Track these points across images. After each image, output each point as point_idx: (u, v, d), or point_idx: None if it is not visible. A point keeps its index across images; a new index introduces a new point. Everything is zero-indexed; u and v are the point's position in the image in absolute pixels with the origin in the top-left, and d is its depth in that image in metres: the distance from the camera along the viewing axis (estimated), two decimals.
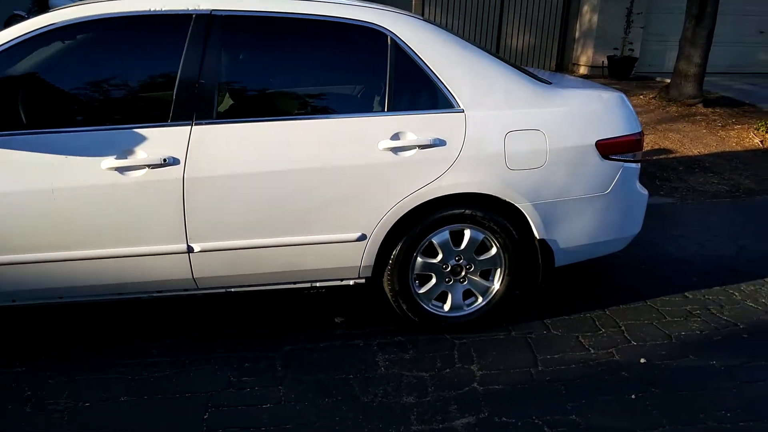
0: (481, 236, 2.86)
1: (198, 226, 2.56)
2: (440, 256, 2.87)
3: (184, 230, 2.56)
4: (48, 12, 2.54)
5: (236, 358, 2.74)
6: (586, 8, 11.16)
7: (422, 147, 2.67)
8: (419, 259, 2.85)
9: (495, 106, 2.78)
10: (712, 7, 7.53)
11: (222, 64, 2.57)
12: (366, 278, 2.87)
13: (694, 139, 6.80)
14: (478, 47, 2.92)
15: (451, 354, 2.83)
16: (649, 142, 6.65)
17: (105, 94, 2.52)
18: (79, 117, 2.49)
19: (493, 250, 2.90)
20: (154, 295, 2.73)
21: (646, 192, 3.12)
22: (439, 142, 2.69)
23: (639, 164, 3.06)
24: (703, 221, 4.65)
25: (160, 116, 2.51)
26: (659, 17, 11.04)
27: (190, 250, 2.60)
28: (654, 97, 8.48)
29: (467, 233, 2.85)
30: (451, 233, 2.85)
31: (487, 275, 2.96)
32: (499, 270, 2.94)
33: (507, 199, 2.79)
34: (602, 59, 10.72)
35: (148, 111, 2.52)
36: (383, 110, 2.69)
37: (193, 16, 2.57)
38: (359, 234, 2.71)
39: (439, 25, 3.12)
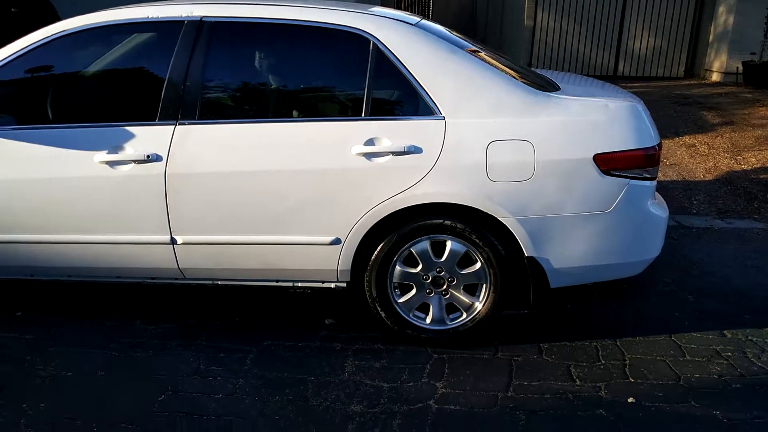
0: (463, 249, 2.75)
1: (180, 220, 2.72)
2: (420, 267, 2.79)
3: (168, 223, 2.73)
4: None
5: (215, 348, 2.87)
6: (721, 9, 10.14)
7: (396, 154, 2.62)
8: (398, 268, 2.80)
9: (479, 114, 2.65)
10: None
11: (207, 67, 2.71)
12: (348, 282, 2.87)
13: None
14: (478, 51, 2.81)
15: (423, 368, 2.74)
16: (761, 159, 5.93)
17: (102, 94, 2.76)
18: (80, 114, 2.75)
19: (477, 265, 2.77)
20: (150, 281, 2.93)
21: (663, 212, 2.81)
22: (414, 149, 2.62)
23: (653, 182, 2.76)
24: None
25: (149, 115, 2.70)
26: None
27: (173, 241, 2.76)
28: None
29: (449, 245, 2.75)
30: (432, 244, 2.76)
31: (474, 290, 2.84)
32: (484, 286, 2.80)
33: (488, 212, 2.66)
34: (737, 65, 9.69)
35: (140, 110, 2.72)
36: (361, 115, 2.67)
37: (185, 22, 2.74)
38: (333, 237, 2.72)
39: (445, 27, 3.05)
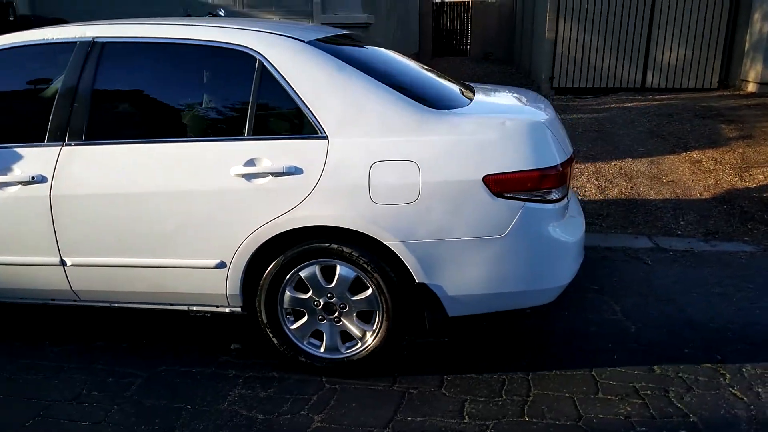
0: (353, 274, 2.61)
1: (68, 242, 2.70)
2: (310, 292, 2.67)
3: (56, 244, 2.72)
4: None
5: (107, 372, 2.83)
6: (756, 16, 9.57)
7: (276, 175, 2.52)
8: (288, 293, 2.69)
9: (364, 133, 2.52)
10: None
11: (95, 87, 2.70)
12: (241, 308, 2.78)
13: None
14: (377, 67, 2.70)
15: (308, 399, 2.61)
16: None
17: None
18: None
19: (369, 291, 2.62)
20: (51, 302, 2.93)
21: (571, 236, 2.60)
22: (295, 170, 2.52)
23: (556, 204, 2.55)
24: None
25: (39, 137, 2.70)
26: None
27: (63, 263, 2.75)
28: None
29: (338, 270, 2.62)
30: (323, 268, 2.64)
31: (369, 318, 2.69)
32: (377, 313, 2.65)
33: (373, 236, 2.52)
34: None
35: (32, 131, 2.73)
36: (244, 135, 2.59)
37: (77, 43, 2.74)
38: (218, 261, 2.64)
39: (367, 43, 2.96)
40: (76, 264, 2.74)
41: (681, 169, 5.84)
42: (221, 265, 2.64)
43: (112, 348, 3.02)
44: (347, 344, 2.74)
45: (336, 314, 2.69)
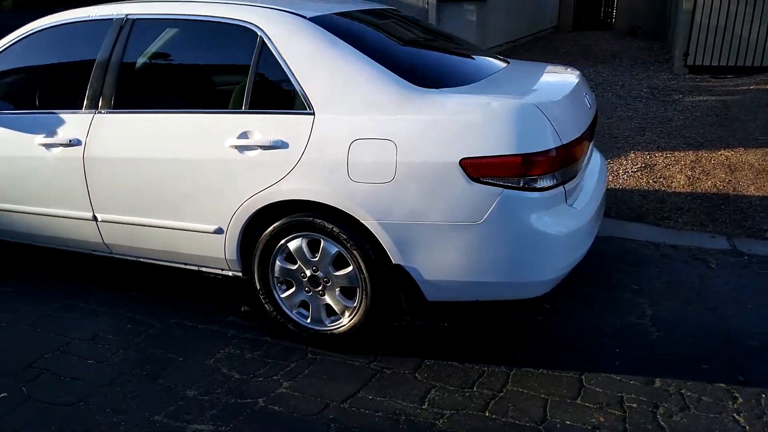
0: (335, 250, 2.65)
1: (98, 199, 3.01)
2: (298, 264, 2.75)
3: (89, 201, 3.04)
4: None
5: (129, 319, 3.12)
6: None
7: (264, 148, 2.62)
8: (278, 263, 2.79)
9: (349, 110, 2.52)
10: None
11: (123, 60, 2.94)
12: (242, 273, 2.93)
13: None
14: (368, 45, 2.67)
15: (286, 365, 2.72)
16: None
17: (49, 85, 3.15)
18: (32, 102, 3.17)
19: (350, 268, 2.65)
20: (94, 253, 3.29)
21: (560, 229, 2.43)
22: (281, 144, 2.59)
23: (544, 193, 2.39)
24: None
25: (79, 104, 3.02)
26: None
27: (95, 218, 3.07)
28: None
29: (322, 244, 2.67)
30: (310, 242, 2.71)
31: (352, 294, 2.72)
32: (358, 290, 2.67)
33: (350, 213, 2.53)
34: None
35: (74, 99, 3.04)
36: (242, 108, 2.70)
37: (113, 19, 3.00)
38: (216, 227, 2.80)
39: (354, 20, 2.94)
40: (105, 220, 3.04)
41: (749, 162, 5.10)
42: (219, 230, 2.80)
43: (141, 298, 3.33)
44: (332, 318, 2.79)
45: (320, 287, 2.75)
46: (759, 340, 2.81)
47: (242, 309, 3.21)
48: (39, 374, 2.69)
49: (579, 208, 2.62)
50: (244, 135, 2.66)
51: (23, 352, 2.84)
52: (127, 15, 2.99)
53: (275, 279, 2.84)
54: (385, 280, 2.61)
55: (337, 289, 2.72)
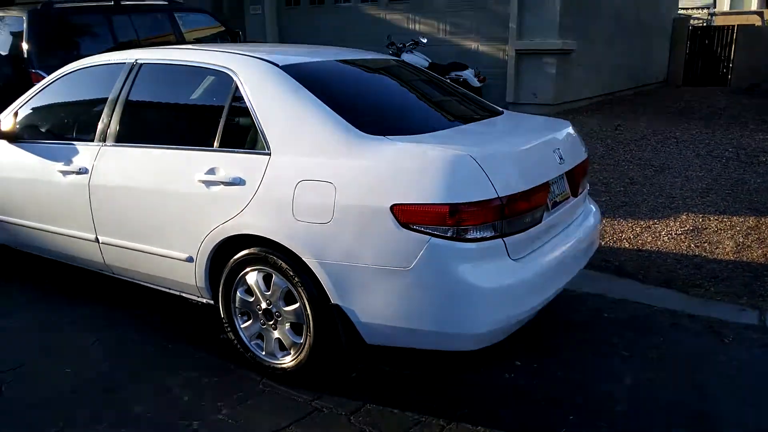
0: (284, 285, 2.73)
1: (99, 222, 3.32)
2: (254, 296, 2.86)
3: (92, 224, 3.35)
4: None
5: (117, 336, 3.36)
6: None
7: (226, 184, 2.78)
8: (239, 294, 2.91)
9: (300, 152, 2.64)
10: None
11: (127, 99, 3.27)
12: (213, 301, 3.08)
13: None
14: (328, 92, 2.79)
15: (232, 394, 2.79)
16: None
17: (70, 119, 3.54)
18: (57, 134, 3.57)
19: (297, 304, 2.71)
20: (99, 271, 3.59)
21: (488, 283, 2.36)
22: (240, 181, 2.74)
23: (474, 244, 2.35)
24: None
25: (92, 137, 3.36)
26: None
27: (97, 240, 3.37)
28: None
29: (273, 278, 2.77)
30: (265, 276, 2.81)
31: (301, 331, 2.77)
32: (305, 327, 2.72)
33: (293, 250, 2.61)
34: None
35: (89, 132, 3.39)
36: (213, 146, 2.90)
37: (125, 63, 3.34)
38: (188, 255, 2.98)
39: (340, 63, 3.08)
40: (105, 242, 3.33)
41: None
42: (190, 259, 2.98)
43: (141, 316, 3.55)
44: (284, 352, 2.85)
45: (273, 321, 2.83)
46: None
47: (221, 336, 3.34)
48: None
49: (528, 262, 2.53)
50: (211, 171, 2.84)
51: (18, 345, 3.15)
52: (136, 59, 3.33)
53: (236, 309, 2.96)
54: (328, 319, 2.64)
55: (287, 325, 2.79)
